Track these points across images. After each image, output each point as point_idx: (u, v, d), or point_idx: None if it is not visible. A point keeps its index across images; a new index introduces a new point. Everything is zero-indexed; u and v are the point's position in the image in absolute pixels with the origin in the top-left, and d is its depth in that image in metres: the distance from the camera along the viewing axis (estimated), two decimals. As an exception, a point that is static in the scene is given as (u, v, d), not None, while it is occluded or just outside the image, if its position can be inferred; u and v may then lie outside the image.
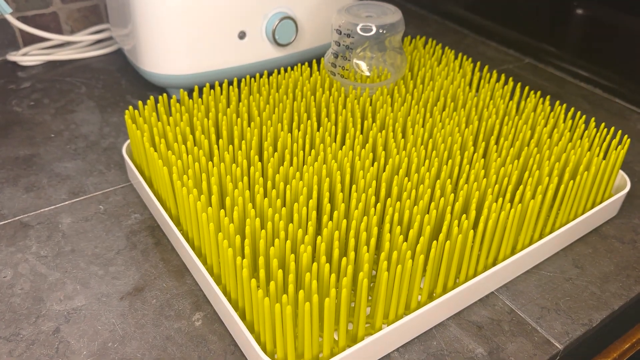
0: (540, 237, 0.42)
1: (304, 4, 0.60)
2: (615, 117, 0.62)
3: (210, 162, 0.40)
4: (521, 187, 0.40)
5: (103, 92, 0.62)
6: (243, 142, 0.43)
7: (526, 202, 0.39)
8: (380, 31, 0.49)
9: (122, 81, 0.65)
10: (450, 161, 0.42)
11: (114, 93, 0.62)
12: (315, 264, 0.32)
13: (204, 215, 0.36)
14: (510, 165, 0.42)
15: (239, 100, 0.50)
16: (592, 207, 0.45)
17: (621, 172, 0.48)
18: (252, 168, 0.40)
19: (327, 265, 0.33)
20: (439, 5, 0.85)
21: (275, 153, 0.42)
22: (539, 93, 0.51)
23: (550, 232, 0.42)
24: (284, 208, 0.37)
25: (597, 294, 0.40)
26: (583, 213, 0.44)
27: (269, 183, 0.39)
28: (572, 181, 0.41)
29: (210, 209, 0.36)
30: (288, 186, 0.38)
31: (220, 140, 0.43)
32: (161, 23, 0.54)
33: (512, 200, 0.40)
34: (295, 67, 0.54)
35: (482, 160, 0.42)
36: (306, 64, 0.55)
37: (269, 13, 0.59)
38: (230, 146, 0.42)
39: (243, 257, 0.34)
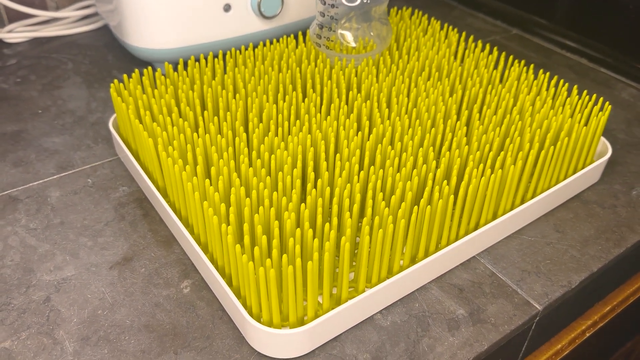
0: (522, 202, 0.43)
1: (290, -25, 0.60)
2: (601, 86, 0.62)
3: (195, 134, 0.41)
4: (502, 153, 0.41)
5: (90, 68, 0.62)
6: (228, 113, 0.43)
7: (507, 168, 0.40)
8: (365, 1, 0.49)
9: (109, 57, 0.64)
10: (433, 129, 0.42)
11: (100, 69, 0.62)
12: (298, 229, 0.33)
13: (189, 184, 0.36)
14: (492, 133, 0.42)
15: (224, 72, 0.50)
16: (573, 173, 0.45)
17: (603, 138, 0.48)
18: (237, 139, 0.41)
19: (310, 230, 0.33)
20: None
21: (260, 124, 0.42)
22: (522, 62, 0.51)
23: (532, 198, 0.42)
24: (268, 177, 0.37)
25: (576, 257, 0.41)
26: (565, 179, 0.45)
27: (254, 153, 0.40)
28: (552, 147, 0.41)
29: (196, 178, 0.37)
30: (273, 156, 0.39)
31: (205, 112, 0.43)
32: (145, -4, 0.54)
33: (493, 167, 0.41)
34: (280, 39, 0.54)
35: (465, 128, 0.43)
36: (292, 36, 0.55)
37: (254, -15, 0.58)
38: (215, 117, 0.43)
39: (228, 225, 0.35)
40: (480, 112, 0.46)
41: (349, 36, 0.51)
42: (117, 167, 0.48)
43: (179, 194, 0.39)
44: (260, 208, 0.35)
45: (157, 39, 0.57)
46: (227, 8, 0.58)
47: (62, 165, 0.48)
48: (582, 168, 0.46)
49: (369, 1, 0.49)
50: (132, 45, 0.58)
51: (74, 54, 0.65)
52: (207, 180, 0.36)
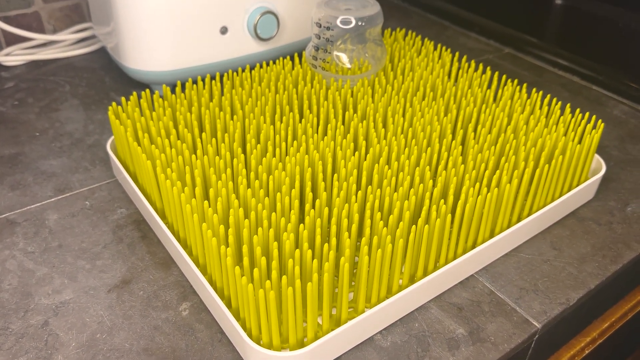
0: (519, 220, 0.43)
1: (285, -2, 0.61)
2: (593, 104, 0.63)
3: (193, 155, 0.41)
4: (498, 172, 0.41)
5: (87, 90, 0.63)
6: (226, 135, 0.43)
7: (502, 186, 0.40)
8: (360, 23, 0.50)
9: (106, 79, 0.65)
10: (429, 149, 0.43)
11: (97, 91, 0.63)
12: (297, 250, 0.33)
13: (187, 206, 0.37)
14: (488, 152, 0.43)
15: (222, 94, 0.50)
16: (568, 191, 0.46)
17: (597, 156, 0.49)
18: (235, 160, 0.41)
19: (310, 251, 0.33)
20: (420, 2, 0.86)
21: (258, 145, 0.42)
22: (516, 81, 0.52)
23: (528, 216, 0.43)
24: (267, 198, 0.37)
25: (574, 274, 0.42)
26: (560, 196, 0.45)
27: (252, 174, 0.40)
28: (547, 165, 0.42)
29: (194, 200, 0.37)
30: (271, 177, 0.39)
31: (203, 134, 0.44)
32: (143, 20, 0.55)
33: (489, 185, 0.41)
34: (277, 60, 0.55)
35: (460, 147, 0.43)
36: (288, 57, 0.56)
37: (250, 8, 0.59)
38: (213, 139, 0.43)
39: (227, 246, 0.35)
40: (475, 131, 0.47)
41: (344, 58, 0.52)
42: (115, 189, 0.48)
43: (177, 215, 0.39)
44: (259, 229, 0.35)
45: (154, 61, 0.58)
46: (223, 30, 0.59)
47: (59, 188, 0.48)
48: (577, 185, 0.47)
49: (363, 24, 0.50)
50: (130, 67, 0.59)
51: (71, 76, 0.65)
52: (206, 202, 0.37)
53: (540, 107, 0.50)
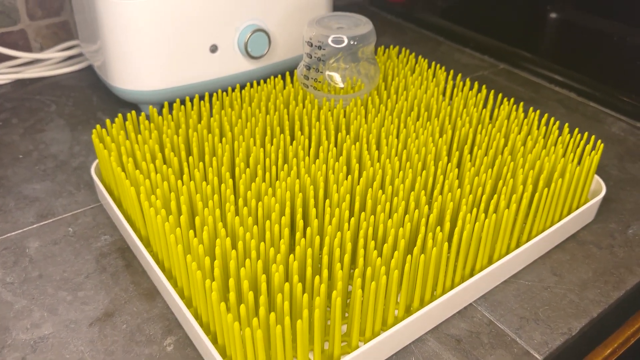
0: (518, 245, 0.41)
1: (276, 15, 0.60)
2: (591, 121, 0.62)
3: (179, 181, 0.39)
4: (495, 196, 0.40)
5: (73, 110, 0.61)
6: (214, 158, 0.42)
7: (500, 211, 0.39)
8: (352, 42, 0.49)
9: (93, 98, 0.63)
10: (424, 172, 0.42)
11: (84, 110, 0.61)
12: (287, 284, 0.32)
13: (172, 236, 0.35)
14: (484, 175, 0.41)
15: (211, 115, 0.49)
16: (568, 214, 0.44)
17: (596, 177, 0.47)
18: (222, 185, 0.39)
19: (300, 285, 0.32)
20: (414, 13, 0.85)
21: (247, 169, 0.41)
22: (512, 100, 0.51)
23: (527, 241, 0.41)
24: (255, 226, 0.36)
25: (575, 301, 0.40)
26: (559, 220, 0.44)
27: (240, 200, 0.38)
28: (546, 189, 0.40)
29: (179, 229, 0.35)
30: (260, 203, 0.37)
31: (190, 158, 0.42)
32: (130, 38, 0.53)
33: (486, 210, 0.40)
34: (268, 79, 0.54)
35: (456, 170, 0.42)
36: (279, 76, 0.55)
37: (240, 26, 0.58)
38: (201, 163, 0.41)
39: (213, 280, 0.33)
40: (471, 152, 0.46)
41: (336, 77, 0.51)
42: (100, 214, 0.47)
43: (162, 245, 0.37)
44: (247, 260, 0.33)
45: (142, 81, 0.56)
46: (213, 49, 0.58)
47: (42, 214, 0.47)
48: (577, 208, 0.45)
49: (356, 42, 0.49)
50: (117, 87, 0.57)
51: (58, 95, 0.64)
52: (191, 232, 0.35)
53: (538, 127, 0.48)
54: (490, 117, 0.53)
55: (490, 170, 0.42)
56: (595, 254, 0.44)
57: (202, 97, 0.58)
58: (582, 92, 0.67)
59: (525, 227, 0.42)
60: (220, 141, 0.45)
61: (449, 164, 0.43)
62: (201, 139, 0.45)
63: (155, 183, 0.40)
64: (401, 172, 0.41)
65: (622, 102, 0.63)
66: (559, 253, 0.44)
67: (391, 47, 0.61)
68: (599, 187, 0.47)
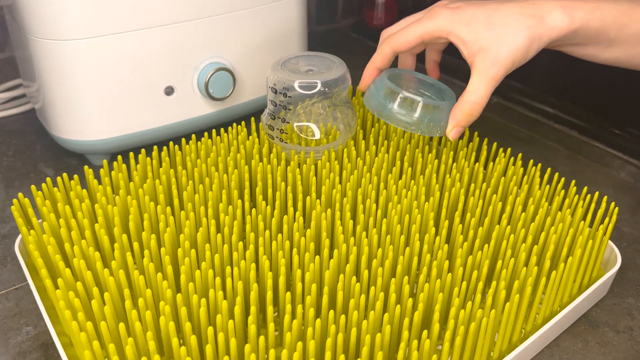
0: (521, 340, 0.34)
1: (241, 51, 0.53)
2: (596, 164, 0.55)
3: (106, 270, 0.32)
4: (493, 283, 0.33)
5: (12, 161, 0.54)
6: (153, 237, 0.35)
7: (500, 305, 0.31)
8: (323, 89, 0.42)
9: (37, 146, 0.56)
10: (407, 249, 0.35)
11: (25, 162, 0.54)
12: None
13: (87, 352, 0.28)
14: (480, 253, 0.34)
15: (157, 176, 0.42)
16: (578, 292, 0.37)
17: (610, 242, 0.41)
18: (159, 275, 0.32)
19: None
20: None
21: (193, 250, 0.34)
22: (508, 151, 0.44)
23: (531, 332, 0.34)
24: (193, 336, 0.28)
25: (592, 407, 0.33)
26: (569, 301, 0.37)
27: (179, 298, 0.31)
28: (554, 271, 0.33)
29: (96, 343, 0.28)
30: (203, 302, 0.30)
31: (124, 236, 0.35)
32: (69, 81, 0.46)
33: (483, 301, 0.33)
34: (230, 127, 0.47)
35: (446, 245, 0.35)
36: (243, 123, 0.48)
37: (200, 64, 0.51)
38: (136, 243, 0.34)
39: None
40: (462, 222, 0.39)
41: (314, 128, 0.44)
42: (25, 297, 0.39)
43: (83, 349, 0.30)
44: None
45: (85, 130, 0.49)
46: (169, 91, 0.51)
47: (-45, 298, 0.39)
48: (588, 284, 0.38)
49: (327, 89, 0.42)
50: (57, 136, 0.50)
51: (-3, 142, 0.57)
52: (111, 346, 0.28)
53: (540, 185, 0.42)
54: (485, 167, 0.46)
55: (486, 246, 0.35)
56: (612, 340, 0.37)
57: (159, 144, 0.51)
58: (584, 130, 0.60)
59: (529, 314, 0.35)
60: (165, 211, 0.38)
61: (437, 238, 0.36)
62: (143, 207, 0.38)
63: (78, 271, 0.33)
64: (380, 250, 0.34)
65: (630, 142, 0.57)
66: (569, 339, 0.37)
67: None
68: (613, 255, 0.40)
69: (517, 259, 0.34)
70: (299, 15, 0.57)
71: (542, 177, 0.43)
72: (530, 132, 0.61)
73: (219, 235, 0.35)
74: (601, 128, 0.59)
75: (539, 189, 0.40)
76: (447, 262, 0.34)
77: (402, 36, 0.42)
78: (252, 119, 0.49)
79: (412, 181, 0.41)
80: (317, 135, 0.44)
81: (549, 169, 0.43)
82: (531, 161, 0.44)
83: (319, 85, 0.42)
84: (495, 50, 0.39)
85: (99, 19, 0.45)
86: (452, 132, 0.41)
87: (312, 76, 0.42)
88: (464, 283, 0.32)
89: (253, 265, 0.33)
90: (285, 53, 0.57)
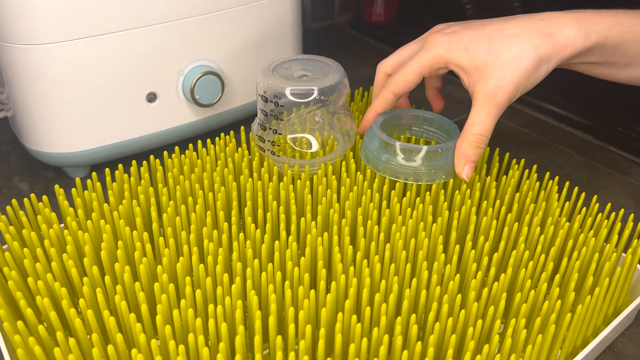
0: (542, 381, 0.30)
1: (229, 53, 0.49)
2: (613, 172, 0.52)
3: (72, 310, 0.28)
4: (512, 321, 0.29)
5: (-16, 174, 0.50)
6: (127, 268, 0.31)
7: (520, 347, 0.28)
8: (318, 97, 0.38)
9: (12, 157, 0.52)
10: (414, 280, 0.31)
11: (-2, 174, 0.50)
12: None
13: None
14: (496, 284, 0.31)
15: (135, 196, 0.38)
16: (603, 322, 0.34)
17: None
18: (132, 316, 0.28)
19: None
20: (399, 37, 0.74)
21: (171, 285, 0.30)
22: (522, 163, 0.40)
23: (555, 372, 0.30)
24: (170, 393, 0.25)
25: None
26: (594, 334, 0.33)
27: (154, 344, 0.27)
28: (580, 305, 0.30)
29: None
30: (181, 349, 0.26)
31: (95, 268, 0.31)
32: (43, 88, 0.42)
33: (500, 341, 0.29)
34: (217, 138, 0.43)
35: (457, 276, 0.31)
36: (232, 133, 0.44)
37: (185, 68, 0.47)
38: (108, 277, 0.30)
39: None
40: (475, 246, 0.35)
41: (312, 141, 0.40)
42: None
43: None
44: None
45: (62, 142, 0.45)
46: (151, 98, 0.47)
47: None
48: (614, 313, 0.35)
49: (323, 97, 0.38)
50: (30, 148, 0.46)
51: (-31, 153, 0.53)
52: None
53: (558, 200, 0.38)
54: (497, 180, 0.42)
55: (503, 275, 0.31)
56: (642, 377, 0.33)
57: (141, 155, 0.47)
58: (599, 134, 0.56)
59: (551, 352, 0.31)
60: (141, 238, 0.34)
61: (448, 266, 0.32)
62: (118, 233, 0.34)
63: (43, 312, 0.29)
64: (383, 282, 0.30)
65: (648, 147, 0.53)
66: (594, 376, 0.33)
67: (371, 88, 0.50)
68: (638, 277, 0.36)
69: (537, 292, 0.31)
70: (293, 12, 0.52)
71: (559, 191, 0.39)
72: (541, 136, 0.57)
73: (202, 266, 0.31)
74: (617, 131, 0.55)
75: (557, 206, 0.37)
76: (459, 296, 0.30)
77: (400, 78, 0.39)
78: (242, 127, 0.45)
79: (418, 198, 0.37)
80: (315, 147, 0.40)
81: (567, 183, 0.39)
82: (547, 173, 0.40)
83: (315, 93, 0.38)
84: (497, 76, 0.35)
85: (72, 21, 0.41)
86: (465, 170, 0.36)
87: (307, 82, 0.38)
88: (479, 322, 0.29)
89: (239, 302, 0.29)
90: (279, 53, 0.53)
